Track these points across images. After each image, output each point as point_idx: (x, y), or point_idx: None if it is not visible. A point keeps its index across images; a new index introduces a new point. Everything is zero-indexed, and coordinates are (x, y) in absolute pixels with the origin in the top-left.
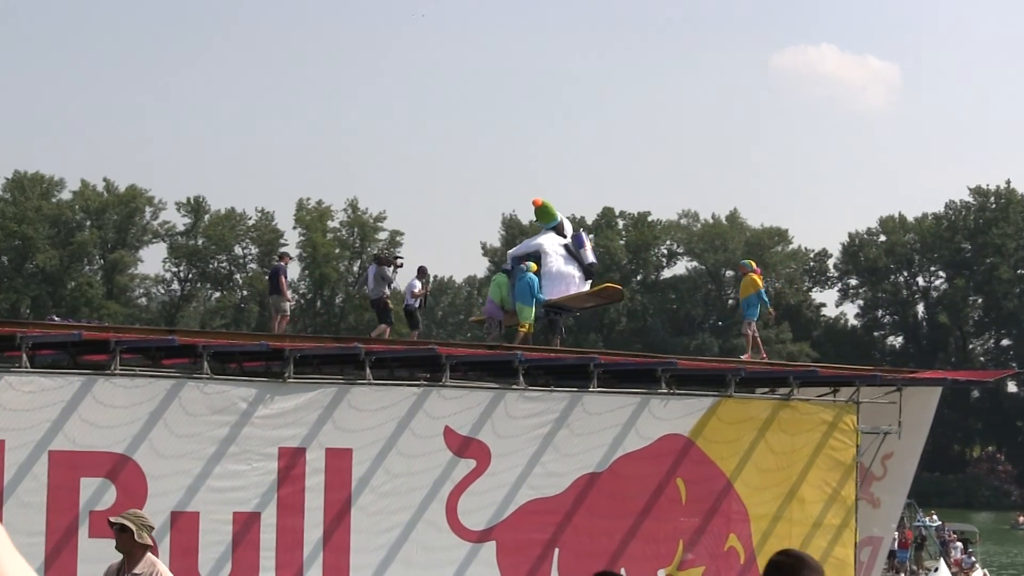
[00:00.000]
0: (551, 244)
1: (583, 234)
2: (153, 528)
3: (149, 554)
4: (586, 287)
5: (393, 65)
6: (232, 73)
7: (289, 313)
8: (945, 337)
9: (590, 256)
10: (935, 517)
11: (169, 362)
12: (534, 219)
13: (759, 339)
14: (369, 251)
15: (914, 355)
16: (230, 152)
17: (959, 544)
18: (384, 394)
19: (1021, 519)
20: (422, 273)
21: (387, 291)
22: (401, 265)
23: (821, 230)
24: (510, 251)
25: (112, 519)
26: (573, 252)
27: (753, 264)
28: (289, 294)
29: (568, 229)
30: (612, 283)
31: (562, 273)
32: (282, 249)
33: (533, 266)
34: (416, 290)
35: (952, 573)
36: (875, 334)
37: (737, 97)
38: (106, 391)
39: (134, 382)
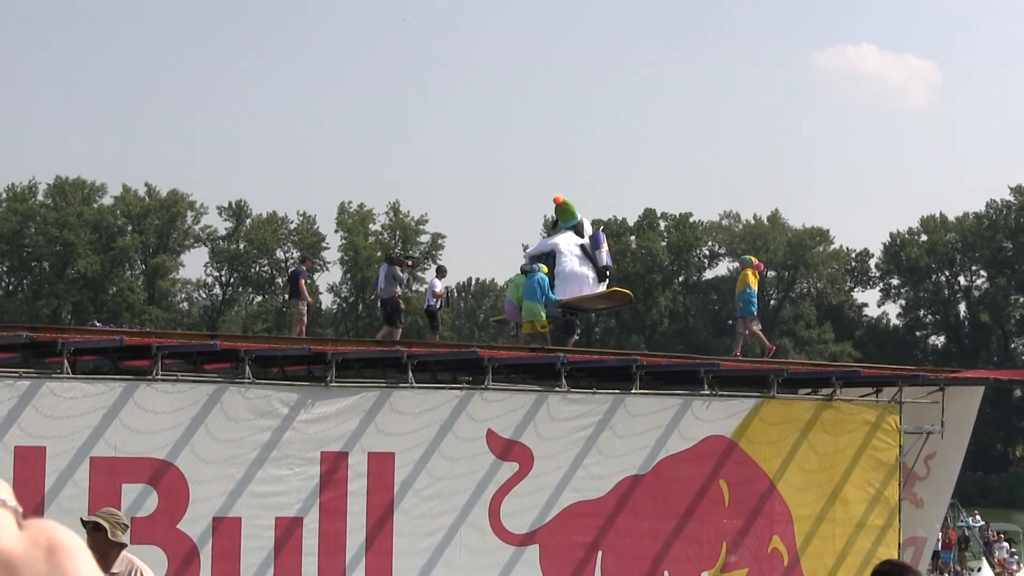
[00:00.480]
0: (567, 244)
1: (601, 235)
2: (128, 526)
3: (125, 552)
4: (600, 288)
5: (434, 67)
6: (273, 77)
7: (306, 317)
8: (987, 336)
9: (605, 258)
10: (978, 517)
11: (211, 367)
12: (553, 216)
13: (760, 333)
14: (411, 253)
15: (956, 354)
16: (271, 156)
17: (1004, 544)
18: (426, 397)
19: None
20: (441, 273)
21: (399, 291)
22: (413, 265)
23: (862, 230)
24: (528, 250)
25: (85, 518)
26: (589, 253)
27: (753, 260)
28: (331, 298)
29: (587, 229)
30: (621, 287)
31: (576, 273)
32: (304, 253)
33: (544, 268)
34: (437, 290)
35: (996, 573)
36: (917, 334)
37: (777, 97)
38: (148, 396)
39: (176, 387)
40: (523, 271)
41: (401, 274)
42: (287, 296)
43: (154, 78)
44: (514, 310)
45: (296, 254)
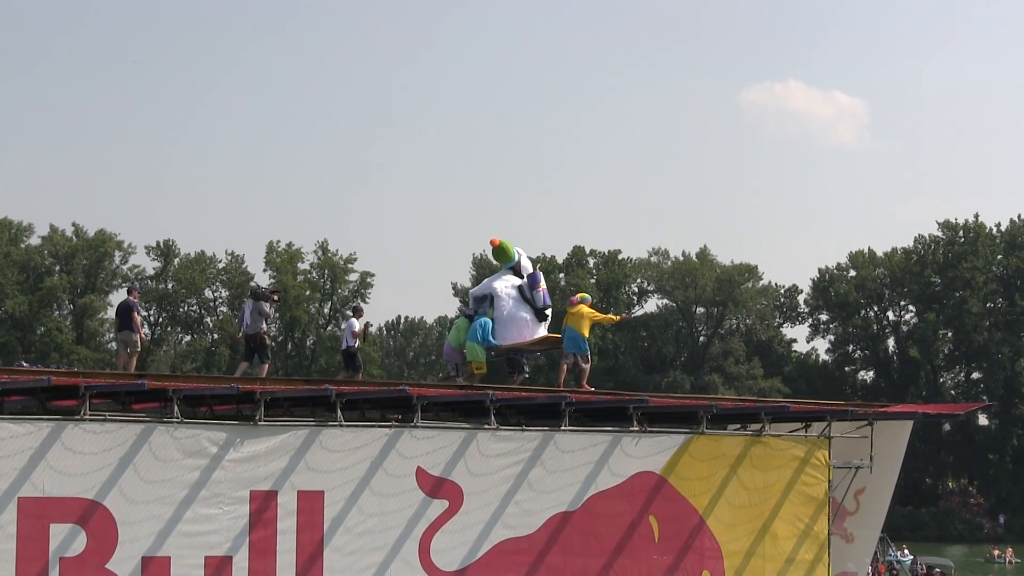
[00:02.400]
0: (504, 287)
1: (538, 273)
2: None
3: None
4: (540, 329)
5: (363, 108)
6: (199, 118)
7: (140, 348)
8: (916, 371)
9: (543, 298)
10: (907, 551)
11: (139, 406)
12: (493, 259)
13: (564, 374)
14: (340, 292)
15: (885, 389)
16: (200, 195)
17: None
18: (356, 435)
19: (996, 552)
20: (358, 313)
21: (264, 327)
22: (278, 300)
23: (791, 266)
24: (472, 290)
25: None
26: (526, 294)
27: (584, 296)
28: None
29: (527, 268)
30: (551, 334)
31: (513, 317)
32: (130, 284)
33: (492, 311)
34: (356, 329)
35: None
36: (846, 369)
37: (706, 134)
38: (76, 437)
39: (104, 427)
40: (466, 315)
41: (268, 310)
42: (118, 329)
43: (80, 116)
44: (453, 353)
45: (225, 293)
